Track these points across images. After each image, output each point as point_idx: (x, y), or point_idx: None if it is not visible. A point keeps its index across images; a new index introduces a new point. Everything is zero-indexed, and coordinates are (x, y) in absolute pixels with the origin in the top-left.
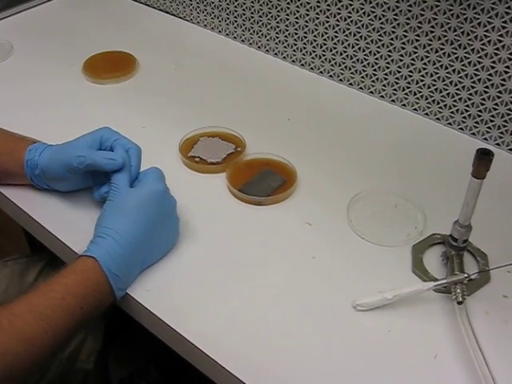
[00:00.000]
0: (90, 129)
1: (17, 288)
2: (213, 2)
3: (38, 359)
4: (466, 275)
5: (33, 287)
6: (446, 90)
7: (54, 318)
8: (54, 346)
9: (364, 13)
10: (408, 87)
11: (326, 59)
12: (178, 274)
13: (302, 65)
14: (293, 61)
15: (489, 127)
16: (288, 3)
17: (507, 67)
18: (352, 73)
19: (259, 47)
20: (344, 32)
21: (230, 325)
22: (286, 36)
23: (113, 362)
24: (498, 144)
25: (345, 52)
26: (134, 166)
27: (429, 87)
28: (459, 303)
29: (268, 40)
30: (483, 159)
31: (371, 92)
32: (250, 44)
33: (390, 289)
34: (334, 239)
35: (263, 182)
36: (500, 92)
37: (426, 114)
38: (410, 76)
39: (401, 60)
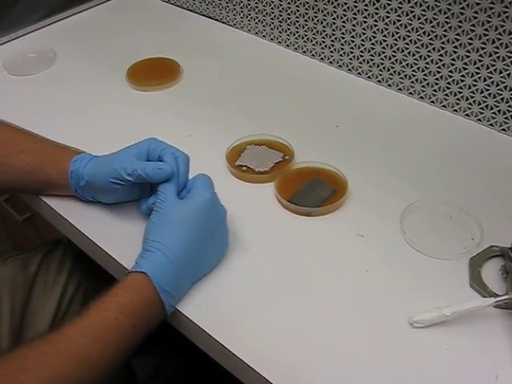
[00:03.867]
0: (134, 137)
1: (22, 277)
2: (257, 7)
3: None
4: None
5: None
6: (501, 95)
7: (109, 339)
8: (109, 368)
9: (415, 16)
10: (460, 92)
11: (373, 64)
12: (226, 288)
13: (349, 70)
14: (340, 66)
15: None
16: (335, 7)
17: None
18: (401, 77)
19: (304, 52)
20: (393, 36)
21: (281, 340)
22: (332, 40)
23: (137, 361)
24: None
25: (394, 56)
26: (182, 175)
27: (482, 92)
28: None
29: (314, 45)
30: None
31: (421, 97)
32: (296, 49)
33: (447, 304)
34: (388, 251)
35: (313, 191)
36: None
37: (479, 119)
38: (462, 81)
39: (454, 65)
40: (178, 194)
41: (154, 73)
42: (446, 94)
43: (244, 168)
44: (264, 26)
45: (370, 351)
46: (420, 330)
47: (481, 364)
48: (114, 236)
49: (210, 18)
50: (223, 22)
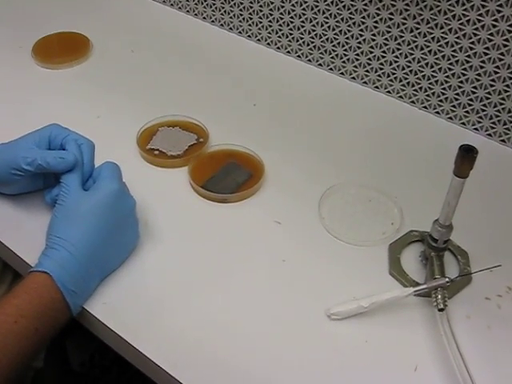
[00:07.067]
0: (39, 120)
1: None
2: None
3: None
4: (447, 279)
5: None
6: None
7: (7, 344)
8: (9, 374)
9: None
10: (381, 69)
11: (293, 38)
12: (138, 282)
13: (268, 44)
14: (258, 40)
15: (480, 117)
16: None
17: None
18: (321, 52)
19: (222, 25)
20: (312, 9)
21: (193, 336)
22: (250, 13)
23: (72, 349)
24: (489, 135)
25: (313, 31)
26: (86, 164)
27: (403, 69)
28: (440, 310)
29: (231, 17)
30: (467, 157)
31: (342, 73)
32: (213, 22)
33: (367, 293)
34: (306, 239)
35: (228, 176)
36: (493, 80)
37: (400, 96)
38: (384, 57)
39: (375, 40)
40: (82, 185)
41: (63, 48)
42: (367, 70)
43: (156, 152)
44: None
45: (286, 344)
46: (338, 321)
47: (400, 355)
48: (18, 229)
49: None
50: None
